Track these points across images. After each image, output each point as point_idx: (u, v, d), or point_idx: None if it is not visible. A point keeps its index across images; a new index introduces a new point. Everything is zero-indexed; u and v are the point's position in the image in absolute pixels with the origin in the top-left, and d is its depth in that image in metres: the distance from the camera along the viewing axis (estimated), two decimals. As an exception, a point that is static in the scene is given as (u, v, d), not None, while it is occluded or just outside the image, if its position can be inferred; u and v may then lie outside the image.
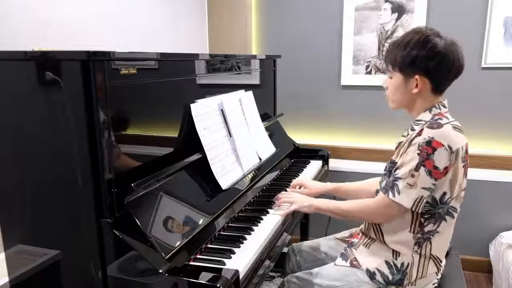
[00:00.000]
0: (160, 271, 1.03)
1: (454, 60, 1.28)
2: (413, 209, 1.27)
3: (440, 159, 1.22)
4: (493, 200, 2.44)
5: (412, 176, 1.25)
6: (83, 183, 1.09)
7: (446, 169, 1.24)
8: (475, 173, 2.46)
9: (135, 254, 1.06)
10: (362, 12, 2.59)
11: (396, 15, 2.53)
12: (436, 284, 1.39)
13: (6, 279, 1.26)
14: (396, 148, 1.43)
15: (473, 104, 2.48)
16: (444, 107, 1.35)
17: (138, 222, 1.11)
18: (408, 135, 1.36)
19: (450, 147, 1.23)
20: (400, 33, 2.52)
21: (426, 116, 1.34)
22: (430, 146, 1.22)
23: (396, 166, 1.30)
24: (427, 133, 1.24)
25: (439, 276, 1.40)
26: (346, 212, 1.42)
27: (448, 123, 1.28)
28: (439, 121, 1.28)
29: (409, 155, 1.26)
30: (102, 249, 1.11)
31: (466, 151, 1.30)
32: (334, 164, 2.61)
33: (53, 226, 1.19)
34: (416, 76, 1.30)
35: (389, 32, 2.56)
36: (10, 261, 1.26)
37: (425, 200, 1.27)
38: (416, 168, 1.24)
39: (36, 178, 1.18)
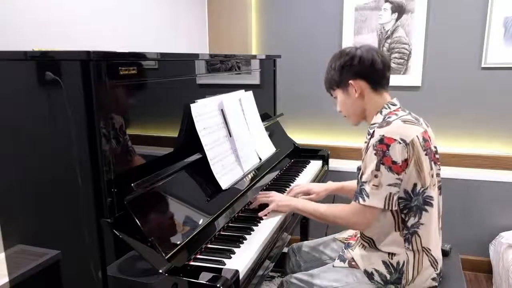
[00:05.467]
0: (160, 271, 1.03)
1: (373, 55, 1.37)
2: (387, 208, 1.29)
3: (396, 153, 1.25)
4: (493, 200, 2.44)
5: (376, 176, 1.28)
6: (83, 183, 1.09)
7: (406, 161, 1.27)
8: (475, 173, 2.46)
9: (135, 254, 1.06)
10: (362, 12, 2.59)
11: (396, 15, 2.53)
12: (436, 284, 1.39)
13: (6, 279, 1.26)
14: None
15: (473, 104, 2.47)
16: (394, 105, 1.40)
17: (138, 222, 1.11)
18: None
19: (403, 140, 1.26)
20: (400, 33, 2.53)
21: (378, 119, 1.39)
22: (383, 144, 1.26)
23: (361, 172, 1.34)
24: (378, 133, 1.29)
25: (438, 271, 1.40)
26: (325, 216, 1.43)
27: (397, 118, 1.32)
28: (388, 119, 1.33)
29: (368, 158, 1.30)
30: (102, 249, 1.11)
31: (425, 139, 1.32)
32: (334, 164, 2.61)
33: (53, 226, 1.19)
34: (350, 82, 1.40)
35: (389, 32, 2.56)
36: (10, 261, 1.26)
37: (395, 197, 1.28)
38: (377, 168, 1.27)
39: (36, 178, 1.18)
